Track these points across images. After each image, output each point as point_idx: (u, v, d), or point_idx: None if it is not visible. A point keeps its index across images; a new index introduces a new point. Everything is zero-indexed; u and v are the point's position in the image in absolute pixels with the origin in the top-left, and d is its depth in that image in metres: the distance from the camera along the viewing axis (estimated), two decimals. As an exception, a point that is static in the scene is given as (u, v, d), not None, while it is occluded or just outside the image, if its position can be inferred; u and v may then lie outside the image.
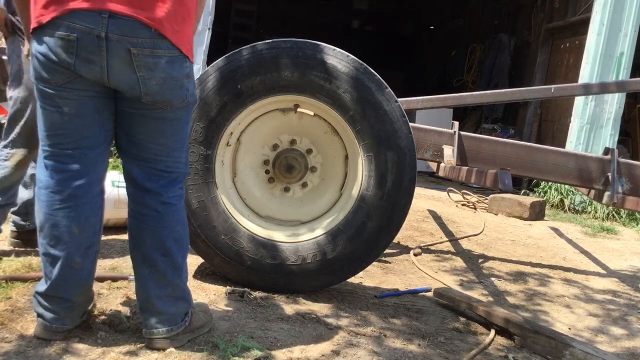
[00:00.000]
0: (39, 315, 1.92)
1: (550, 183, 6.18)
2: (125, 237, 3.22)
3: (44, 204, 1.87)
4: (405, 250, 3.74)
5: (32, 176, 2.73)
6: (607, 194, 3.23)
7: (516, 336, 2.41)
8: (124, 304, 2.27)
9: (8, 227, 2.87)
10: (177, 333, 1.96)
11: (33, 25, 1.77)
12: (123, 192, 3.24)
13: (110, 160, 4.66)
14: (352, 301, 2.65)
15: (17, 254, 2.73)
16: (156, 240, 1.93)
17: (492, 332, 2.45)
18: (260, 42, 2.48)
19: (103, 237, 3.09)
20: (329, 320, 2.37)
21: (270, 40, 2.48)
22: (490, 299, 2.99)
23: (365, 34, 14.92)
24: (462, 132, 3.33)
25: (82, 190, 1.88)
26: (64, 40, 1.72)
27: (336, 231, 2.55)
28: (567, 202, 6.25)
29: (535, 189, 6.56)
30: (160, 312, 1.95)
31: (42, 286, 1.92)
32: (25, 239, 2.81)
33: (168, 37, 1.79)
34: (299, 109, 2.60)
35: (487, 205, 5.72)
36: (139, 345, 1.94)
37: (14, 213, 2.81)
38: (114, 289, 2.41)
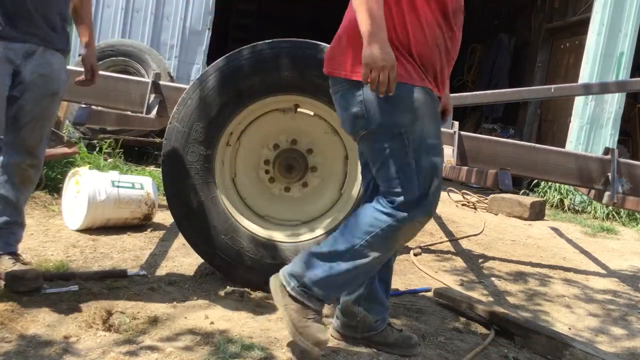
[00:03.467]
0: None
1: (550, 183, 6.18)
2: (125, 237, 3.22)
3: None
4: (405, 250, 3.73)
5: None
6: (607, 194, 3.23)
7: (516, 336, 2.41)
8: (124, 304, 2.26)
9: None
10: (284, 293, 2.00)
11: None
12: (123, 192, 3.30)
13: (110, 160, 4.68)
14: (352, 301, 2.64)
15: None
16: None
17: (492, 332, 2.45)
18: (260, 42, 2.48)
19: (103, 237, 3.11)
20: (329, 320, 2.37)
21: (270, 40, 2.48)
22: (490, 299, 2.99)
23: (365, 34, 14.89)
24: (462, 132, 3.32)
25: None
26: None
27: (336, 231, 2.55)
28: (567, 202, 6.26)
29: (535, 189, 6.56)
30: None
31: None
32: None
33: None
34: (299, 109, 2.60)
35: (487, 205, 5.72)
36: (139, 345, 1.94)
37: None
38: (114, 289, 2.41)
